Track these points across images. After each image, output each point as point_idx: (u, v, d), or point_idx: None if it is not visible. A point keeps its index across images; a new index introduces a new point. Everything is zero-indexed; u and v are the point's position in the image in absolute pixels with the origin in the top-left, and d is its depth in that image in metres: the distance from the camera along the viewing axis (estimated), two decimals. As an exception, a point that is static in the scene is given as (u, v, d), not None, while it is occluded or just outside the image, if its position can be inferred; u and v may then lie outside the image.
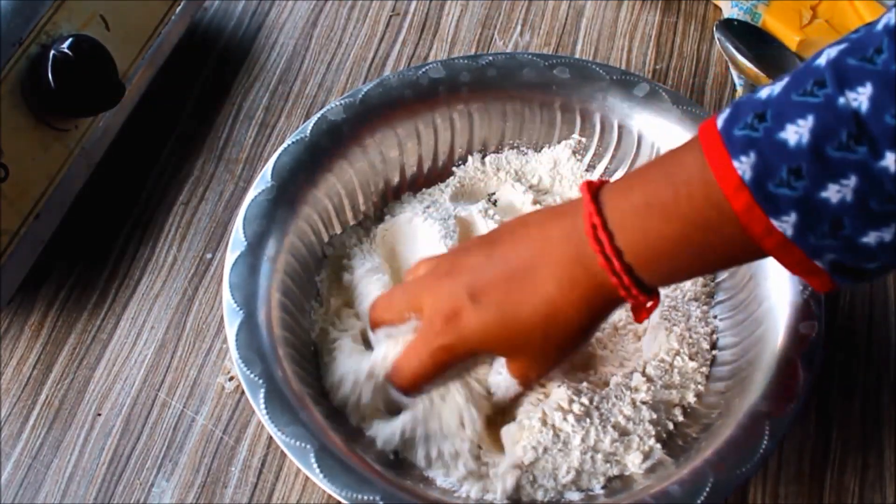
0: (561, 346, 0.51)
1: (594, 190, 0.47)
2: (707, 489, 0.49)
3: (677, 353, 0.57)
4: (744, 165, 0.41)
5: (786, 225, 0.41)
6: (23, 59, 0.58)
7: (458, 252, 0.54)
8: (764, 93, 0.42)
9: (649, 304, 0.49)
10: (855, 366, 0.62)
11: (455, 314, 0.50)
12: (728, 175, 0.42)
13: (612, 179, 0.49)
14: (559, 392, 0.54)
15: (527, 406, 0.55)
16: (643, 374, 0.56)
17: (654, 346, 0.58)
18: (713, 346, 0.59)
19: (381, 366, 0.54)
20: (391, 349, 0.54)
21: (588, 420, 0.53)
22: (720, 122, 0.43)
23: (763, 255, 0.44)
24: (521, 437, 0.53)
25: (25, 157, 0.59)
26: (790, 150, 0.40)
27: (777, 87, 0.42)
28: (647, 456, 0.53)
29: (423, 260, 0.56)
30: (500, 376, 0.53)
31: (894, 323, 0.64)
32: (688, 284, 0.61)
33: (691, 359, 0.57)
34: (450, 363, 0.52)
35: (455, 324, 0.50)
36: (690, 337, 0.58)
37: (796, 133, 0.40)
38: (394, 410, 0.55)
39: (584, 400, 0.54)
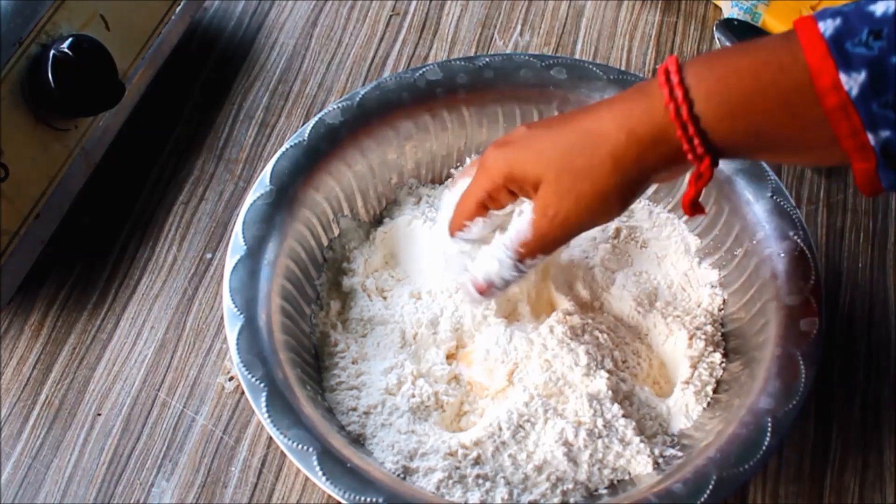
0: (592, 181, 0.48)
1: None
2: (710, 486, 0.49)
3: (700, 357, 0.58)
4: (827, 25, 0.42)
5: (853, 83, 0.42)
6: (23, 59, 0.58)
7: None
8: None
9: (702, 167, 0.46)
10: (855, 366, 0.62)
11: (508, 139, 0.51)
12: (809, 30, 0.43)
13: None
14: (579, 403, 0.55)
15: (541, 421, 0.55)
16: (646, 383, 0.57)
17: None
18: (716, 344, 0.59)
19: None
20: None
21: (597, 435, 0.54)
22: (817, 11, 0.44)
23: (823, 127, 0.43)
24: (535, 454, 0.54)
25: (25, 157, 0.59)
26: (875, 17, 0.41)
27: None
28: (652, 464, 0.54)
29: None
30: (519, 217, 0.52)
31: (894, 323, 0.64)
32: (696, 283, 0.61)
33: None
34: (490, 191, 0.52)
35: (506, 144, 0.51)
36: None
37: (885, 5, 0.41)
38: None
39: (601, 417, 0.54)
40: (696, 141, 0.45)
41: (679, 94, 0.45)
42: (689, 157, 0.46)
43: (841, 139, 0.43)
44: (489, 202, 0.53)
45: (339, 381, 0.57)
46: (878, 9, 0.42)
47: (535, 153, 0.49)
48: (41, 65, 0.58)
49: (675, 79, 0.45)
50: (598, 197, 0.48)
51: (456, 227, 0.55)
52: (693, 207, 0.49)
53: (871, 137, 0.42)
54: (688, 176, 0.49)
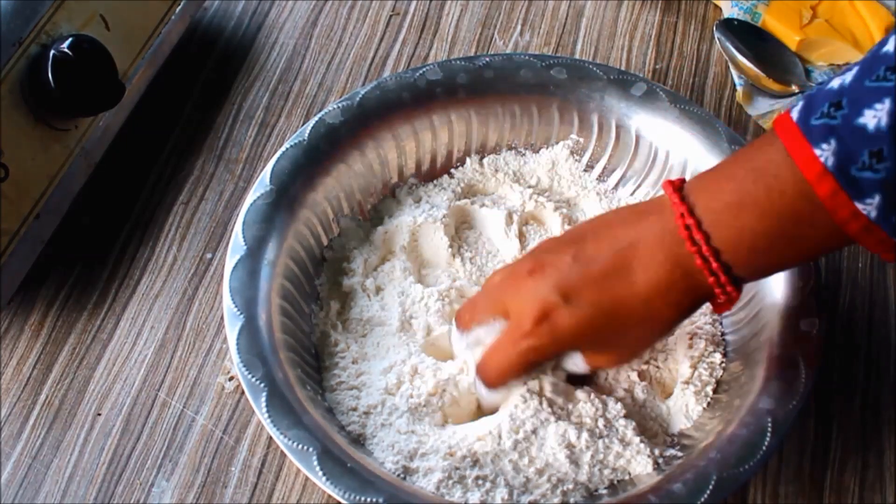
0: (649, 342, 0.53)
1: (678, 189, 0.48)
2: (710, 487, 0.49)
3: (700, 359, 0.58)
4: (825, 153, 0.42)
5: (870, 208, 0.42)
6: (23, 59, 0.58)
7: (538, 252, 0.53)
8: (835, 83, 0.43)
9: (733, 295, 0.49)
10: (855, 366, 0.62)
11: (545, 315, 0.50)
12: (811, 164, 0.43)
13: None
14: (585, 408, 0.55)
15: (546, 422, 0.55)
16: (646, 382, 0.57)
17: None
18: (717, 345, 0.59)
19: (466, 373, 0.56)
20: (477, 355, 0.54)
21: (598, 435, 0.54)
22: (795, 114, 0.44)
23: (848, 240, 0.45)
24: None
25: (25, 157, 0.59)
26: (870, 134, 0.41)
27: (847, 77, 0.43)
28: (653, 464, 0.54)
29: (497, 270, 0.55)
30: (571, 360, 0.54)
31: (894, 323, 0.64)
32: None
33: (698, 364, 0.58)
34: (537, 362, 0.53)
35: (547, 325, 0.50)
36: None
37: (874, 117, 0.41)
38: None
39: (602, 417, 0.54)
40: (730, 288, 0.48)
41: (714, 264, 0.47)
42: (723, 299, 0.49)
43: (870, 247, 0.45)
44: (536, 363, 0.53)
45: (339, 381, 0.57)
46: (869, 122, 0.41)
47: (591, 327, 0.50)
48: (41, 65, 0.58)
49: (702, 245, 0.47)
50: (651, 346, 0.56)
51: (499, 384, 0.54)
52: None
53: None
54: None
